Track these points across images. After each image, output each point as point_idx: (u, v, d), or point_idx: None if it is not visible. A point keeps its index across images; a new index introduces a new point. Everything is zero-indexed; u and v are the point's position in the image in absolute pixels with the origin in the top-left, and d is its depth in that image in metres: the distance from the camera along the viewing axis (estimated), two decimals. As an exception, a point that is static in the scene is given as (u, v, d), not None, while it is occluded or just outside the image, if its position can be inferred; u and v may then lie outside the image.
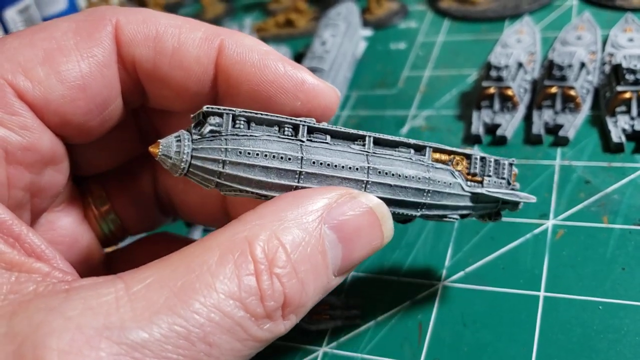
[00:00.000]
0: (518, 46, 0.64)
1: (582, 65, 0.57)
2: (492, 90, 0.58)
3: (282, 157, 0.30)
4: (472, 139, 0.57)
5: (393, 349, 0.42)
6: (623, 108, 0.53)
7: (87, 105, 0.32)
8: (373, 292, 0.47)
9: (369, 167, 0.32)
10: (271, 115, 0.30)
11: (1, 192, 0.30)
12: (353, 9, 0.78)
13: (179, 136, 0.29)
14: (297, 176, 0.30)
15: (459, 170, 0.36)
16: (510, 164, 0.39)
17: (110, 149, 0.39)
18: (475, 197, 0.37)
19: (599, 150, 0.52)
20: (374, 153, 0.33)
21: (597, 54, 0.60)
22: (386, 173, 0.33)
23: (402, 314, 0.45)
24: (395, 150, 0.34)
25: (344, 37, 0.73)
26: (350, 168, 0.32)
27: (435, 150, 0.36)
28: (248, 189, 0.30)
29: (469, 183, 0.37)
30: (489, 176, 0.38)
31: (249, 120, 0.30)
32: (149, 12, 0.33)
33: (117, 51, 0.32)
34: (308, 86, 0.33)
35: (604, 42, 0.62)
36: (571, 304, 0.41)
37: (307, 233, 0.28)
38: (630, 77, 0.53)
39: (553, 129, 0.55)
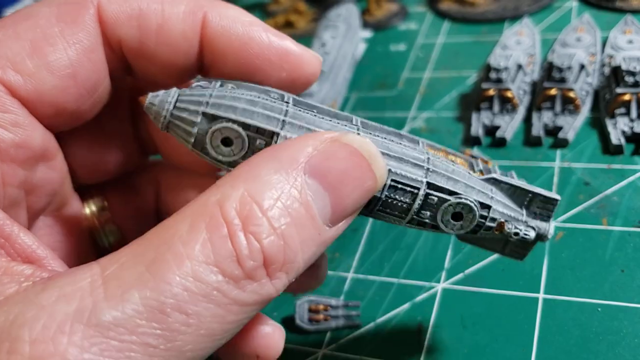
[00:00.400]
0: (517, 48, 0.64)
1: (582, 67, 0.57)
2: (491, 92, 0.58)
3: (265, 107, 0.29)
4: (471, 141, 0.57)
5: (392, 351, 0.42)
6: (622, 110, 0.53)
7: (78, 92, 0.32)
8: (372, 293, 0.47)
9: (358, 128, 0.31)
10: (258, 86, 0.31)
11: None
12: (353, 10, 0.78)
13: (166, 92, 0.30)
14: (280, 124, 0.29)
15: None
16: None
17: (109, 156, 0.38)
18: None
19: (599, 152, 0.52)
20: (364, 130, 0.31)
21: (597, 56, 0.60)
22: (379, 141, 0.31)
23: (402, 315, 0.45)
24: (386, 134, 0.32)
25: (344, 38, 0.73)
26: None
27: (430, 146, 0.34)
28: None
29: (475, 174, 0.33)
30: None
31: (236, 87, 0.30)
32: None
33: (102, 33, 0.32)
34: (292, 57, 0.33)
35: (604, 44, 0.62)
36: (570, 306, 0.41)
37: (284, 185, 0.27)
38: (629, 79, 0.53)
39: (552, 131, 0.55)
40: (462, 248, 0.48)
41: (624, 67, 0.53)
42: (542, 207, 0.34)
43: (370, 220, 0.53)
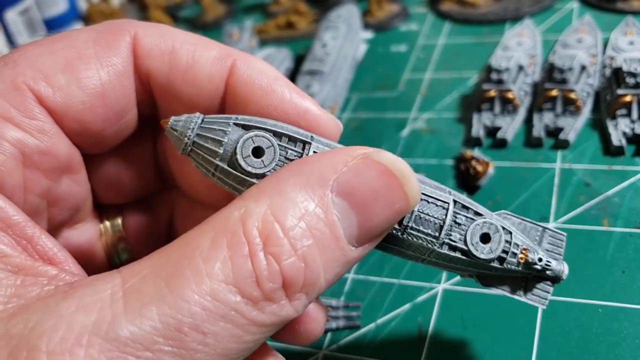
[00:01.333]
0: (519, 49, 0.64)
1: (583, 68, 0.57)
2: (492, 93, 0.58)
3: (293, 126, 0.30)
4: (472, 142, 0.57)
5: (393, 352, 0.42)
6: (623, 111, 0.53)
7: (105, 113, 0.32)
8: (373, 294, 0.47)
9: None
10: (284, 128, 0.30)
11: (17, 195, 0.30)
12: (354, 11, 0.78)
13: (190, 115, 0.30)
14: (310, 136, 0.30)
15: None
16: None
17: (129, 179, 0.39)
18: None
19: (600, 153, 0.52)
20: None
21: (598, 57, 0.60)
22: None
23: (402, 316, 0.45)
24: None
25: (345, 39, 0.73)
26: None
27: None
28: None
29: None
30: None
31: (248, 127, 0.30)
32: (166, 27, 0.34)
33: (134, 62, 0.33)
34: (311, 116, 0.33)
35: (605, 45, 0.62)
36: (571, 307, 0.41)
37: (309, 205, 0.26)
38: (630, 81, 0.53)
39: (553, 132, 0.55)
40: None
41: (625, 68, 0.53)
42: (552, 244, 0.34)
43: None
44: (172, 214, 0.41)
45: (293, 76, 0.73)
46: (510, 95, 0.57)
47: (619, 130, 0.52)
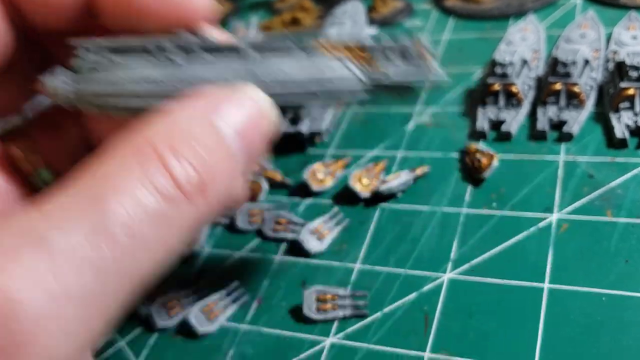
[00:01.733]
0: (522, 44, 0.64)
1: (586, 62, 0.58)
2: (496, 87, 0.58)
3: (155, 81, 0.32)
4: (477, 135, 0.58)
5: (400, 340, 0.43)
6: (626, 104, 0.53)
7: None
8: (380, 284, 0.47)
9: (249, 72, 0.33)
10: (134, 41, 0.32)
11: None
12: (359, 7, 0.79)
13: (55, 73, 0.32)
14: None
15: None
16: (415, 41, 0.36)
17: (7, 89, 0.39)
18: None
19: (603, 145, 0.53)
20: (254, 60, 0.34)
21: (601, 52, 0.61)
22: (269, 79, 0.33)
23: (409, 305, 0.45)
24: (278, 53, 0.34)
25: (350, 36, 0.73)
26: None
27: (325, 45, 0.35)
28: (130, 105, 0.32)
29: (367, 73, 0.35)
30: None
31: (116, 50, 0.32)
32: None
33: None
34: None
35: (608, 40, 0.63)
36: (575, 296, 0.42)
37: (199, 123, 0.30)
38: (633, 74, 0.53)
39: (557, 125, 0.56)
40: (468, 240, 0.48)
41: (627, 62, 0.54)
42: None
43: (377, 212, 0.53)
44: (81, 121, 0.41)
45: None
46: (514, 89, 0.58)
47: (622, 123, 0.53)
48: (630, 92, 0.53)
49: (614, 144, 0.52)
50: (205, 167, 0.28)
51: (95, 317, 0.25)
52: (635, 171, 0.49)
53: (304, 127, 0.62)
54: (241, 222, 0.57)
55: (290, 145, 0.63)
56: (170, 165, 0.27)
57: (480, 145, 0.56)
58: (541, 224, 0.47)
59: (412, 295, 0.46)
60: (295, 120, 0.63)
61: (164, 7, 0.33)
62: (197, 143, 0.29)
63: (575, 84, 0.56)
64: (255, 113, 0.32)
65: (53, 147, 0.41)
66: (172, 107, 0.31)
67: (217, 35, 0.36)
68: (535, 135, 0.56)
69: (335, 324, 0.46)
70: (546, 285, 0.43)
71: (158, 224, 0.26)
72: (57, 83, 0.31)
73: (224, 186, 0.30)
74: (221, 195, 0.30)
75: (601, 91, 0.58)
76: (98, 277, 0.24)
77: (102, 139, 0.40)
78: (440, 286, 0.46)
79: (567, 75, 0.56)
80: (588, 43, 0.62)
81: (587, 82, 0.57)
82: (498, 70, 0.58)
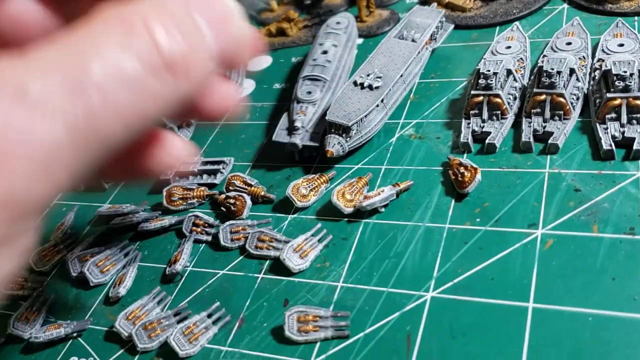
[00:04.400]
0: (508, 53, 0.63)
1: (572, 71, 0.57)
2: (480, 99, 0.57)
3: None
4: (461, 147, 0.57)
5: (381, 362, 0.42)
6: (613, 115, 0.52)
7: None
8: (362, 303, 0.46)
9: None
10: None
11: None
12: (352, 20, 0.77)
13: None
14: None
15: None
16: None
17: None
18: None
19: (589, 157, 0.52)
20: None
21: (587, 60, 0.60)
22: None
23: (391, 325, 0.44)
24: None
25: (344, 48, 0.72)
26: None
27: None
28: None
29: None
30: None
31: None
32: None
33: None
34: None
35: (595, 48, 0.62)
36: (561, 316, 0.41)
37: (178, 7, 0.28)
38: (619, 84, 0.52)
39: (542, 137, 0.55)
40: (451, 257, 0.47)
41: (614, 71, 0.53)
42: None
43: (360, 229, 0.52)
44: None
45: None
46: (498, 100, 0.57)
47: (608, 134, 0.52)
48: (617, 102, 0.52)
49: (601, 155, 0.51)
50: (189, 45, 0.28)
51: (59, 170, 0.25)
52: (622, 184, 0.48)
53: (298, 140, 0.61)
54: (224, 240, 0.56)
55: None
56: (156, 33, 0.27)
57: (464, 158, 0.55)
58: (526, 240, 0.46)
59: (395, 315, 0.45)
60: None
61: None
62: (182, 23, 0.28)
63: (560, 95, 0.55)
64: (226, 15, 0.31)
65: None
66: None
67: None
68: (520, 147, 0.55)
69: (317, 346, 0.45)
70: (531, 304, 0.42)
71: (134, 91, 0.26)
72: None
73: (203, 70, 0.29)
74: (200, 76, 0.29)
75: (587, 101, 0.57)
76: (67, 130, 0.24)
77: None
78: (422, 305, 0.45)
79: (552, 85, 0.55)
80: (574, 51, 0.61)
81: (572, 92, 0.56)
82: (482, 81, 0.57)
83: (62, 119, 0.24)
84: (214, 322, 0.49)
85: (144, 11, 0.28)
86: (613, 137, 0.52)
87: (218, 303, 0.50)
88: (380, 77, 0.62)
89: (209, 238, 0.57)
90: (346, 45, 0.73)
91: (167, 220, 0.60)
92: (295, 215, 0.57)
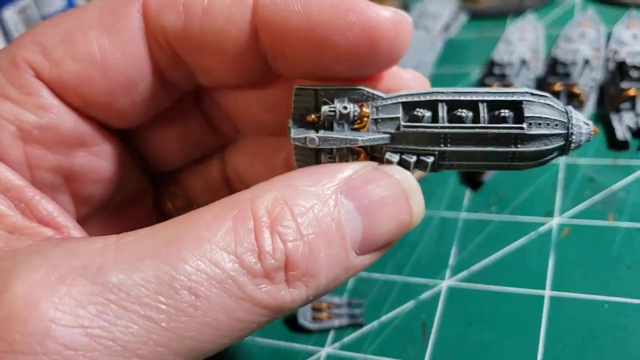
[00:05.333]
0: (521, 43, 0.63)
1: (586, 62, 0.56)
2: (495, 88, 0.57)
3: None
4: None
5: (397, 349, 0.42)
6: (628, 105, 0.52)
7: (107, 84, 0.30)
8: (376, 291, 0.46)
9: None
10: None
11: (22, 171, 0.30)
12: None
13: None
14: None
15: None
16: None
17: (179, 142, 0.38)
18: None
19: (604, 147, 0.52)
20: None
21: (601, 51, 0.60)
22: None
23: (406, 313, 0.44)
24: None
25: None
26: None
27: None
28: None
29: None
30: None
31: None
32: None
33: (146, 26, 0.31)
34: (359, 14, 0.28)
35: (608, 39, 0.62)
36: (577, 303, 0.41)
37: (318, 198, 0.26)
38: (634, 74, 0.52)
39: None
40: (467, 245, 0.47)
41: (628, 62, 0.53)
42: None
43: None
44: (224, 158, 0.40)
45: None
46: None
47: (623, 124, 0.52)
48: (632, 92, 0.52)
49: (616, 145, 0.51)
50: (300, 251, 0.25)
51: None
52: (637, 173, 0.48)
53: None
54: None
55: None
56: (261, 236, 0.24)
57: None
58: (541, 229, 0.46)
59: (410, 304, 0.45)
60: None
61: (348, 35, 0.28)
62: (303, 221, 0.25)
63: (575, 85, 0.55)
64: (395, 197, 0.28)
65: (196, 187, 0.40)
66: (299, 172, 0.28)
67: (407, 76, 0.32)
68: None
69: (331, 334, 0.45)
70: (547, 292, 0.42)
71: (228, 292, 0.24)
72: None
73: (318, 281, 0.26)
74: (312, 288, 0.26)
75: (602, 91, 0.57)
76: (143, 328, 0.22)
77: (241, 175, 0.39)
78: (438, 294, 0.45)
79: (567, 75, 0.55)
80: (588, 42, 0.60)
81: (587, 83, 0.56)
82: (496, 70, 0.57)
83: (141, 318, 0.23)
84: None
85: (263, 204, 0.25)
86: (628, 127, 0.51)
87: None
88: None
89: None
90: None
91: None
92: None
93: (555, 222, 0.47)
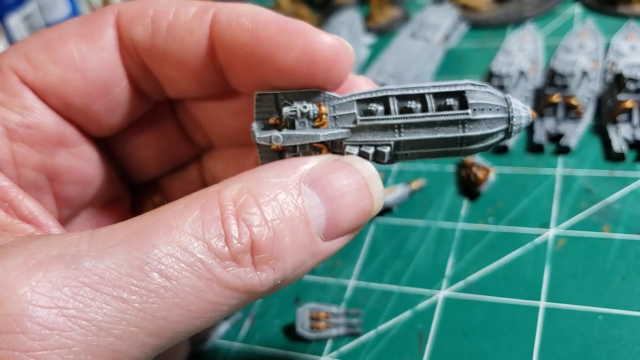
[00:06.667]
0: (520, 54, 0.64)
1: (584, 73, 0.57)
2: (493, 99, 0.58)
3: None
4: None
5: (393, 359, 0.42)
6: (625, 117, 0.53)
7: (85, 87, 0.33)
8: (374, 301, 0.47)
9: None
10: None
11: (7, 168, 0.32)
12: (355, 16, 0.78)
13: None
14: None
15: None
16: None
17: (156, 151, 0.40)
18: None
19: (601, 159, 0.52)
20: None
21: (599, 62, 0.60)
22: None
23: (403, 323, 0.45)
24: None
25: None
26: None
27: None
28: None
29: None
30: None
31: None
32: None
33: (119, 37, 0.33)
34: (303, 37, 0.30)
35: (606, 50, 0.62)
36: (571, 314, 0.41)
37: (282, 188, 0.28)
38: (631, 86, 0.53)
39: (555, 138, 0.55)
40: (463, 256, 0.48)
41: (626, 74, 0.53)
42: None
43: (372, 227, 0.53)
44: (201, 162, 0.42)
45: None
46: (511, 100, 0.57)
47: (620, 136, 0.52)
48: (629, 104, 0.52)
49: (612, 157, 0.52)
50: (265, 235, 0.26)
51: (102, 355, 0.23)
52: (633, 185, 0.49)
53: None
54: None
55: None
56: (227, 222, 0.26)
57: (477, 158, 0.55)
58: (538, 240, 0.47)
59: (407, 313, 0.45)
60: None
61: (290, 53, 0.30)
62: (267, 208, 0.27)
63: (572, 96, 0.55)
64: (356, 185, 0.29)
65: (176, 188, 0.42)
66: (263, 166, 0.29)
67: (360, 81, 0.34)
68: (532, 148, 0.55)
69: (329, 343, 0.45)
70: (542, 303, 0.42)
71: (197, 274, 0.25)
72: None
73: (284, 265, 0.27)
74: (279, 271, 0.27)
75: (599, 103, 0.57)
76: (116, 308, 0.23)
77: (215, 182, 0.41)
78: (434, 304, 0.45)
79: (565, 87, 0.55)
80: (586, 53, 0.61)
81: (584, 94, 0.56)
82: (495, 82, 0.58)
83: (114, 299, 0.24)
84: (226, 318, 0.49)
85: (229, 195, 0.27)
86: (624, 139, 0.52)
87: (231, 299, 0.50)
88: (393, 77, 0.63)
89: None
90: (349, 41, 0.73)
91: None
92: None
93: (551, 233, 0.47)
